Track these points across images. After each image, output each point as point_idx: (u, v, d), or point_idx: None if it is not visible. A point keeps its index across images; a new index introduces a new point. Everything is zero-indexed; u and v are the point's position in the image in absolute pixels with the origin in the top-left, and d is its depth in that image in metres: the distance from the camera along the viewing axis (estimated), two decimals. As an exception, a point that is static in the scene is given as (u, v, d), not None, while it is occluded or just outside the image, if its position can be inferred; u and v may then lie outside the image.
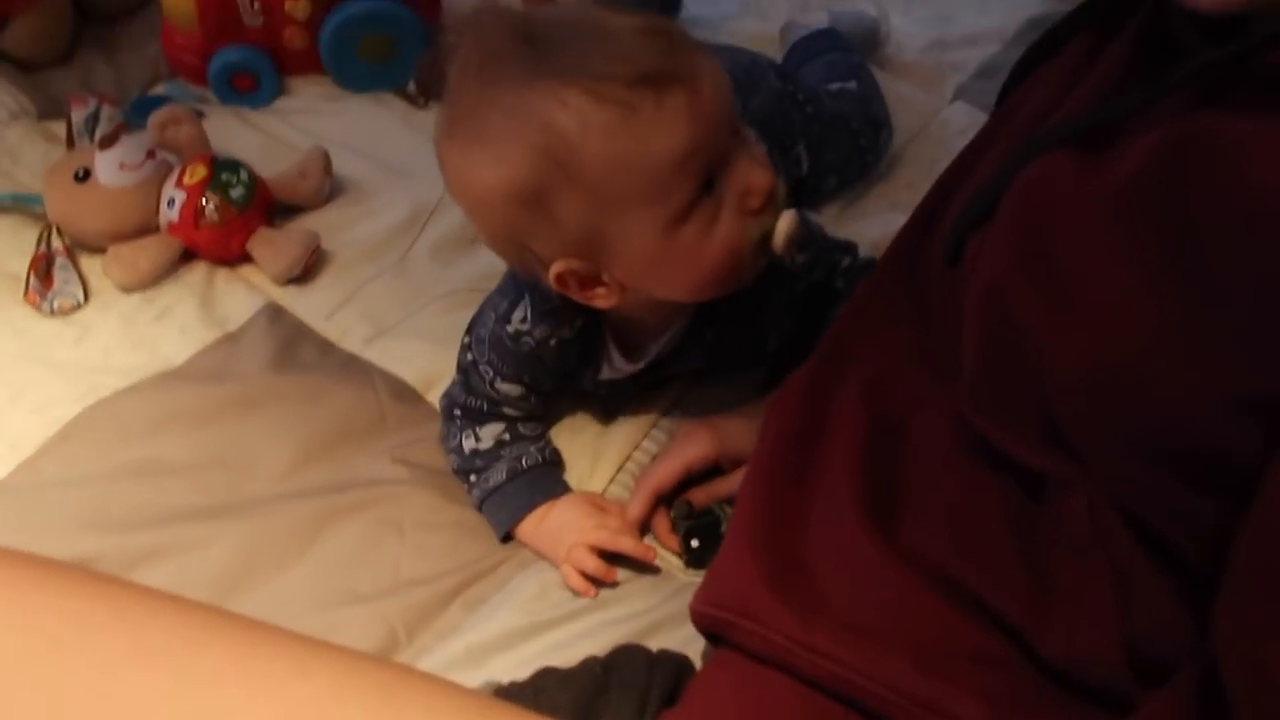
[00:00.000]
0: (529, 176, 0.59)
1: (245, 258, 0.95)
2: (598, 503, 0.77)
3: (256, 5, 1.08)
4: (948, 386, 0.54)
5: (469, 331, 0.77)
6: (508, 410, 0.77)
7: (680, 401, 0.83)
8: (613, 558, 0.73)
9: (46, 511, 0.77)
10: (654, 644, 0.65)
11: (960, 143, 0.68)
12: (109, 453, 0.80)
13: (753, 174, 0.62)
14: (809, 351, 0.64)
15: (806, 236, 0.67)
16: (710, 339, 0.75)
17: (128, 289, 0.93)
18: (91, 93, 1.04)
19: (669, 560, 0.75)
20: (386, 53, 1.10)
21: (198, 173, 0.93)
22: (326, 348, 0.89)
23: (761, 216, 0.63)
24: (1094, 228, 0.46)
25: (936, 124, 1.09)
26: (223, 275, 0.95)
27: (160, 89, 1.13)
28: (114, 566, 0.72)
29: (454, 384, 0.79)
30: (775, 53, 1.08)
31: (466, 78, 0.61)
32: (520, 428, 0.78)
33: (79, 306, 0.92)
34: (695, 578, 0.73)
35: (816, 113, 0.93)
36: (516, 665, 0.65)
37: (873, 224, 0.95)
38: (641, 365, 0.75)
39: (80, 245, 0.96)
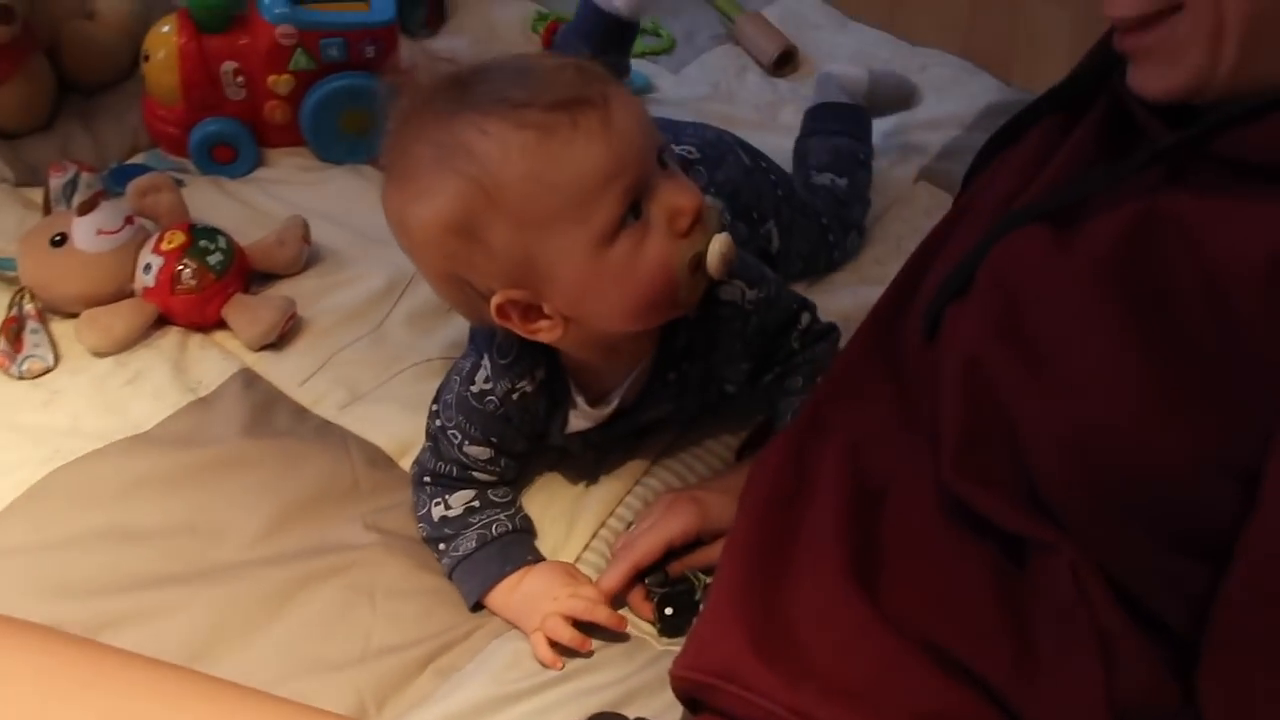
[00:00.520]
0: (458, 206, 0.61)
1: (220, 324, 0.95)
2: (571, 572, 0.76)
3: (240, 79, 1.10)
4: (928, 454, 0.55)
5: (436, 399, 0.78)
6: (478, 475, 0.77)
7: (652, 470, 0.84)
8: (586, 628, 0.72)
9: (7, 576, 0.75)
10: (630, 713, 0.64)
11: (925, 221, 0.71)
12: (74, 517, 0.79)
13: (678, 196, 0.64)
14: (775, 425, 0.65)
15: (740, 261, 0.68)
16: (673, 381, 0.76)
17: (100, 353, 0.92)
18: (70, 160, 1.05)
19: (643, 629, 0.74)
20: (366, 126, 1.13)
21: (176, 239, 0.94)
22: (300, 413, 0.89)
23: (692, 238, 0.64)
24: (1069, 298, 0.48)
25: (902, 203, 1.13)
26: (196, 341, 0.95)
27: (139, 158, 1.14)
28: (77, 632, 0.70)
29: (423, 451, 0.79)
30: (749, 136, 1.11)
31: (400, 123, 0.64)
32: (491, 494, 0.78)
33: (49, 370, 0.91)
34: (670, 646, 0.72)
35: (788, 196, 0.95)
36: (490, 735, 0.64)
37: (842, 296, 0.97)
38: (608, 411, 0.76)
39: (53, 310, 0.96)
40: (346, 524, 0.79)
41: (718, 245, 0.65)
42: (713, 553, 0.72)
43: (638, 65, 1.29)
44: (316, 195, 1.10)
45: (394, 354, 0.93)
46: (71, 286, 0.94)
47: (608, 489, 0.82)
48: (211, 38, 1.08)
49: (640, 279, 0.64)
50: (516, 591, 0.74)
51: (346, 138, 1.13)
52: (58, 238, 0.94)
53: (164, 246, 0.94)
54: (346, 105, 1.11)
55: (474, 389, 0.73)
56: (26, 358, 0.91)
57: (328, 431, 0.87)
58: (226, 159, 1.12)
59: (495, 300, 0.64)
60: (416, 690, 0.70)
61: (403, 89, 0.64)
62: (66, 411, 0.88)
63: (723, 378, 0.79)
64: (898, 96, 1.16)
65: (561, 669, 0.71)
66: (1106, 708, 0.47)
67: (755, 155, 0.96)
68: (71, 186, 1.02)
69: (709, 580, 0.71)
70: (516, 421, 0.75)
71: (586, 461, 0.83)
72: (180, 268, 0.92)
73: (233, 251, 0.95)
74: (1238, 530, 0.42)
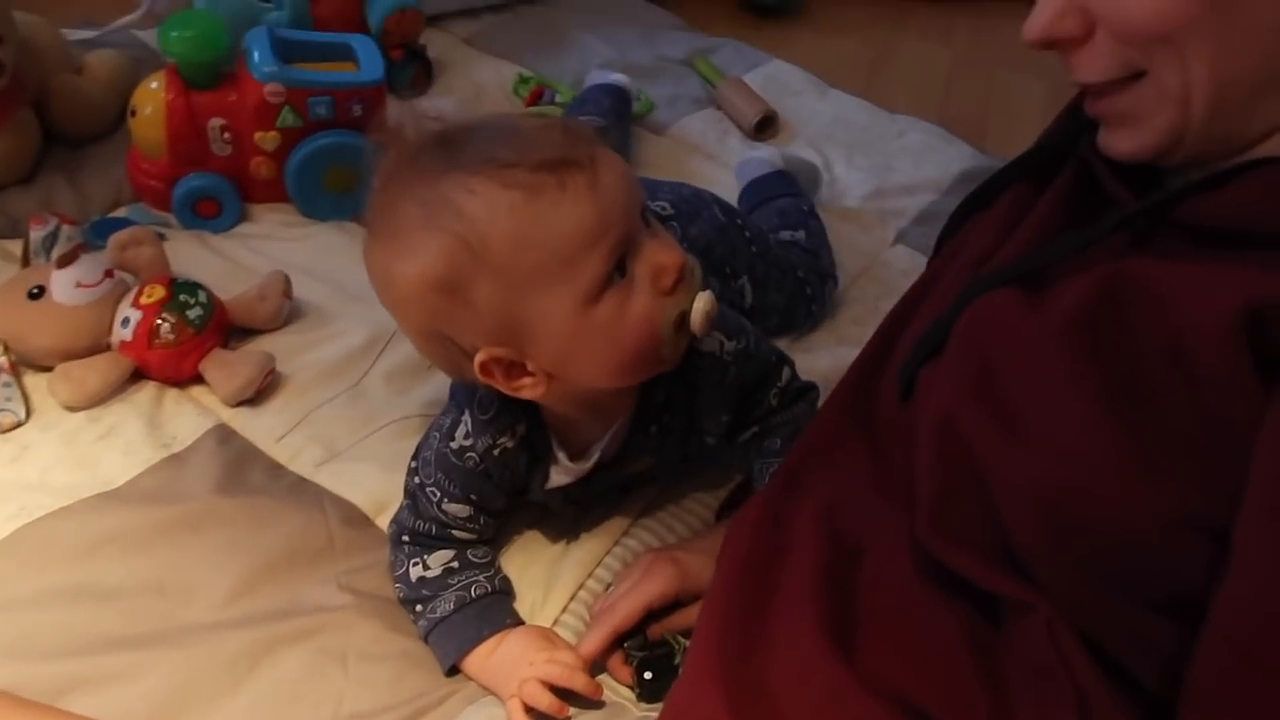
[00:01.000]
0: (444, 264, 0.61)
1: (197, 379, 0.94)
2: (548, 636, 0.75)
3: (226, 136, 1.10)
4: (904, 514, 0.55)
5: (415, 455, 0.78)
6: (457, 534, 0.77)
7: (631, 530, 0.83)
8: (564, 694, 0.71)
9: (-34, 638, 0.73)
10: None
11: (902, 282, 0.72)
12: (37, 576, 0.77)
13: (662, 254, 0.64)
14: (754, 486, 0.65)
15: (719, 313, 0.69)
16: (655, 434, 0.76)
17: (73, 407, 0.91)
18: (52, 213, 1.05)
19: (622, 693, 0.73)
20: (351, 183, 1.13)
21: (155, 293, 0.94)
22: (276, 470, 0.88)
23: (676, 296, 0.65)
24: (1039, 360, 0.49)
25: (879, 265, 1.15)
26: (172, 395, 0.94)
27: (122, 211, 1.14)
28: (36, 697, 0.68)
29: (402, 509, 0.79)
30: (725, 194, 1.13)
31: (387, 180, 0.64)
32: (470, 555, 0.77)
33: (19, 424, 0.90)
34: (649, 711, 0.71)
35: (762, 252, 0.97)
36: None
37: (821, 357, 0.98)
38: (589, 466, 0.75)
39: (27, 363, 0.94)
40: (319, 584, 0.78)
41: (701, 303, 0.66)
42: (692, 615, 0.71)
43: (621, 127, 1.32)
44: (299, 251, 1.10)
45: (372, 411, 0.93)
46: (46, 339, 0.93)
47: (586, 549, 0.81)
48: (200, 94, 1.09)
49: (626, 337, 0.64)
50: (493, 656, 0.73)
51: (331, 195, 1.14)
52: (35, 290, 0.93)
53: (143, 300, 0.93)
54: (332, 163, 1.12)
55: (454, 445, 0.73)
56: (-3, 411, 0.89)
57: (303, 489, 0.86)
58: (210, 214, 1.12)
59: (479, 358, 0.64)
60: (387, 758, 0.68)
61: (389, 146, 0.65)
62: (35, 467, 0.86)
63: (703, 429, 0.79)
64: (809, 180, 1.21)
65: (537, 736, 0.69)
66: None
67: (731, 212, 0.98)
68: (52, 239, 1.01)
69: (688, 643, 0.70)
70: (497, 478, 0.74)
71: (566, 519, 0.82)
72: (159, 322, 0.92)
73: (213, 306, 0.95)
74: (1210, 589, 0.42)
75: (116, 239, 0.99)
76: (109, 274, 0.95)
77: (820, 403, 0.81)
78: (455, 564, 0.76)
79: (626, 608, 0.72)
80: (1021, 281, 0.53)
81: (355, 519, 0.84)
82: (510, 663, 0.72)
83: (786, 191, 1.14)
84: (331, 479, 0.87)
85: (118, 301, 0.94)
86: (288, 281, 1.01)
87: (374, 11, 1.33)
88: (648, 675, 0.72)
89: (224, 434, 0.90)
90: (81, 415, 0.91)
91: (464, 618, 0.74)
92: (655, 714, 0.61)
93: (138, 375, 0.94)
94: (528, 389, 0.66)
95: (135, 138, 1.12)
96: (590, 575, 0.80)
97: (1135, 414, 0.44)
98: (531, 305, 0.62)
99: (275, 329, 1.00)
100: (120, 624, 0.74)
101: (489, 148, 0.62)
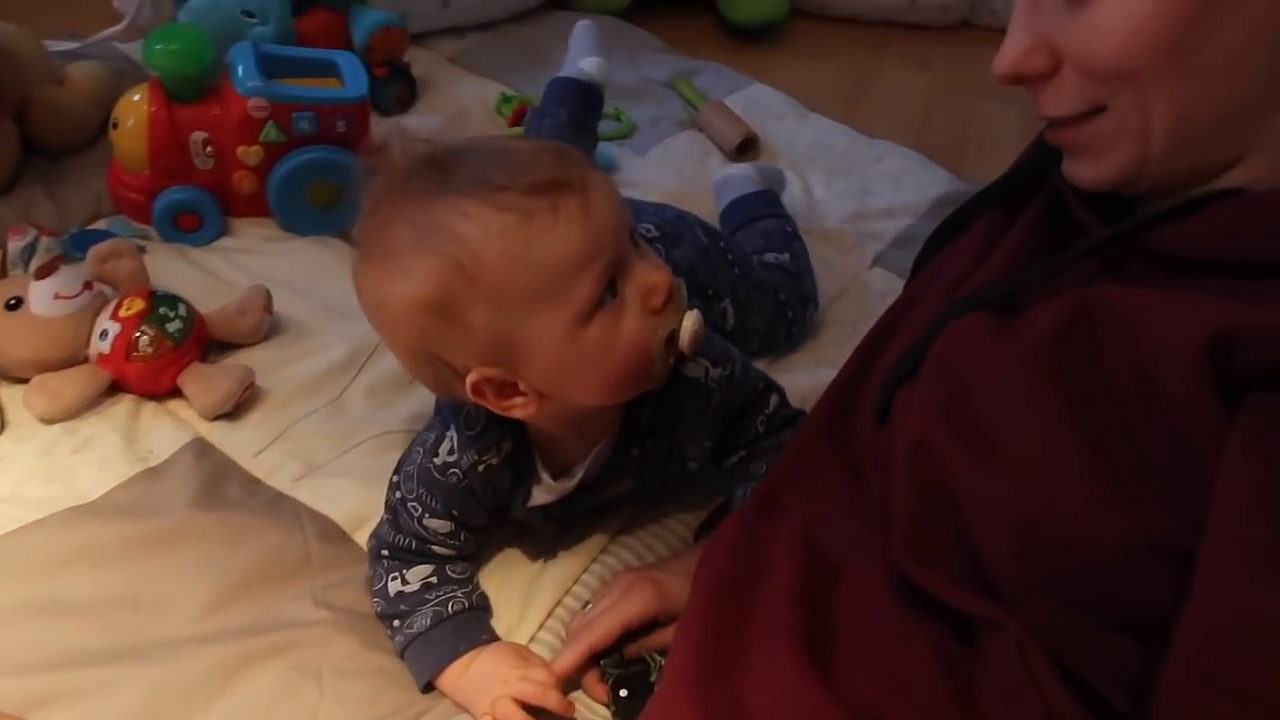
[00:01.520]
0: (437, 286, 0.61)
1: (175, 392, 0.94)
2: (522, 653, 0.75)
3: (209, 149, 1.11)
4: (879, 535, 0.56)
5: (397, 470, 0.77)
6: (437, 549, 0.77)
7: (610, 548, 0.83)
8: (537, 711, 0.71)
9: (-65, 653, 0.72)
10: (581, 801, 0.63)
11: (880, 305, 0.73)
12: (7, 590, 0.76)
13: (652, 274, 0.65)
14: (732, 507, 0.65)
15: (706, 339, 0.70)
16: (637, 456, 0.76)
17: (49, 419, 0.90)
18: (31, 224, 1.04)
19: (598, 711, 0.73)
20: (333, 199, 1.14)
21: (135, 305, 0.93)
22: (253, 485, 0.87)
23: (665, 316, 0.66)
24: (1010, 384, 0.50)
25: (857, 287, 1.16)
26: (149, 409, 0.93)
27: (102, 224, 1.14)
28: (8, 711, 0.67)
29: (382, 523, 0.78)
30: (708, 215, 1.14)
31: (377, 201, 0.64)
32: (449, 570, 0.77)
33: (-7, 436, 0.89)
34: (624, 729, 0.71)
35: (744, 274, 0.98)
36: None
37: (800, 378, 0.99)
38: (572, 485, 0.76)
39: (3, 374, 0.94)
40: (295, 600, 0.77)
41: (690, 322, 0.67)
42: (669, 635, 0.71)
43: (604, 147, 1.33)
44: (280, 265, 1.10)
45: (352, 426, 0.92)
46: (24, 350, 0.92)
47: (564, 567, 0.81)
48: (183, 107, 1.09)
49: (617, 356, 0.64)
50: (467, 673, 0.73)
51: (313, 210, 1.14)
52: (12, 301, 0.93)
53: (123, 313, 0.93)
54: (314, 178, 1.12)
55: (437, 461, 0.73)
56: (-31, 423, 0.89)
57: (281, 504, 0.85)
58: (191, 227, 1.12)
59: (471, 378, 0.65)
60: (361, 775, 0.68)
61: (379, 168, 0.65)
62: (8, 479, 0.86)
63: (685, 455, 0.79)
64: (777, 184, 1.23)
65: (509, 755, 0.69)
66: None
67: (714, 235, 0.98)
68: (30, 250, 1.01)
69: (664, 661, 0.70)
70: (479, 494, 0.74)
71: (545, 538, 0.82)
72: (138, 335, 0.92)
73: (192, 320, 0.95)
74: (1176, 611, 0.43)
75: (96, 251, 0.99)
76: (88, 286, 0.95)
77: (798, 424, 0.82)
78: (434, 579, 0.76)
79: (604, 626, 0.73)
80: (994, 306, 0.54)
81: (333, 534, 0.83)
82: (484, 680, 0.72)
83: (770, 213, 1.15)
84: (310, 494, 0.86)
85: (96, 314, 0.94)
86: (268, 296, 1.01)
87: (359, 28, 1.34)
88: (623, 693, 0.72)
89: (202, 448, 0.89)
90: (57, 428, 0.90)
91: (440, 633, 0.74)
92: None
93: (115, 388, 0.93)
94: (519, 408, 0.67)
95: (117, 150, 1.12)
96: (567, 593, 0.80)
97: (1102, 436, 0.45)
98: (524, 326, 0.63)
99: (255, 343, 1.00)
100: (93, 639, 0.73)
101: (481, 170, 0.62)
